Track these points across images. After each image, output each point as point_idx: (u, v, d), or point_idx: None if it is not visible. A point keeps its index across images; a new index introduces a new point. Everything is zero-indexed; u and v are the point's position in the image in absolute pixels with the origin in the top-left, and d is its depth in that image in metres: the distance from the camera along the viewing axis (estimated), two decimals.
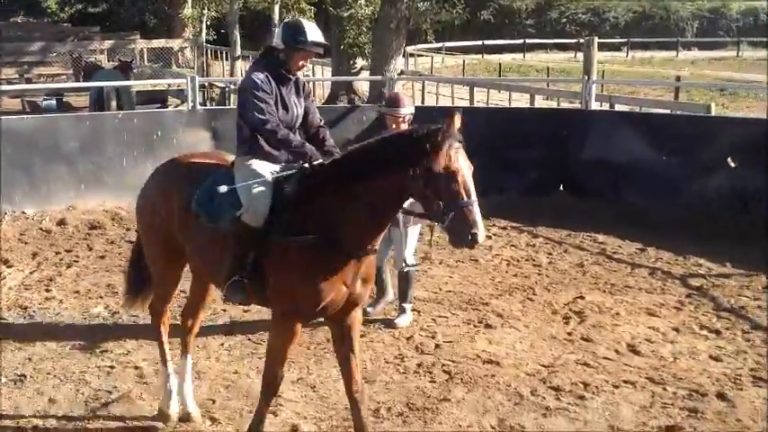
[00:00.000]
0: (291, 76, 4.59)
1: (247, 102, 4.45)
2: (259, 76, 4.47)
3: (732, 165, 9.52)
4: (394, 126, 6.32)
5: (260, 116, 4.39)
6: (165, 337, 5.06)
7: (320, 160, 4.31)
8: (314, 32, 4.52)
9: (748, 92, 23.76)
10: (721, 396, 5.34)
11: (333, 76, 21.16)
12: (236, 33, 25.20)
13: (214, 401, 5.24)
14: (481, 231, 3.84)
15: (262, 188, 4.31)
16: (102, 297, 7.31)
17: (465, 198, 3.84)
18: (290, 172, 4.33)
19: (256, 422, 4.52)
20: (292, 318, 4.26)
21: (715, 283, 7.85)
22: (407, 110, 6.39)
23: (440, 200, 3.84)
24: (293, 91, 4.60)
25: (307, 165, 4.28)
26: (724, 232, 9.09)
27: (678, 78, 20.18)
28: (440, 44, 34.96)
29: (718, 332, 6.54)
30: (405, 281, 6.60)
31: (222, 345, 6.17)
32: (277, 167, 4.46)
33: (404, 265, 6.48)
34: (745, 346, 6.24)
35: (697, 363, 5.93)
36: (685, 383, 5.54)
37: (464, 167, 3.89)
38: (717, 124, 10.55)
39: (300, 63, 4.60)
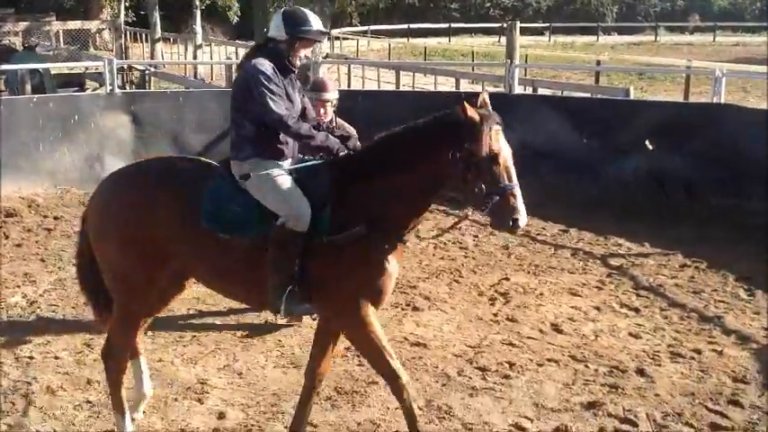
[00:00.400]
0: (294, 69, 4.30)
1: (256, 93, 4.08)
2: (266, 66, 4.14)
3: (650, 147, 9.78)
4: (322, 111, 6.17)
5: (279, 110, 4.07)
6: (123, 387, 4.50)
7: (345, 151, 4.18)
8: (317, 20, 4.29)
9: (666, 76, 24.44)
10: (640, 372, 5.49)
11: None
12: (156, 15, 24.67)
13: None
14: (523, 216, 3.83)
15: (293, 188, 4.09)
16: (19, 286, 7.07)
17: (507, 182, 3.82)
18: (310, 164, 4.20)
19: (411, 419, 4.15)
20: (365, 309, 4.06)
21: (634, 262, 8.07)
22: (332, 95, 6.27)
23: (482, 183, 3.80)
24: (291, 84, 4.31)
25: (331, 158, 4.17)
26: (642, 213, 9.34)
27: (598, 63, 20.55)
28: (365, 27, 34.92)
29: (637, 310, 6.72)
30: None
31: (145, 332, 6.04)
32: (286, 164, 4.22)
33: None
34: (663, 323, 6.43)
35: (617, 340, 6.08)
36: (606, 360, 5.68)
37: (505, 150, 3.86)
38: (635, 107, 10.80)
39: (303, 53, 4.34)
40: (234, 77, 4.41)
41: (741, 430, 4.72)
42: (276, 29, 4.28)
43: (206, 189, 4.13)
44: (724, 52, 37.74)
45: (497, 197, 3.79)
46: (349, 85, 18.54)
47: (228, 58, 21.22)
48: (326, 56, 18.04)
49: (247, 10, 24.18)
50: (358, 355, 5.69)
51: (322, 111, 6.16)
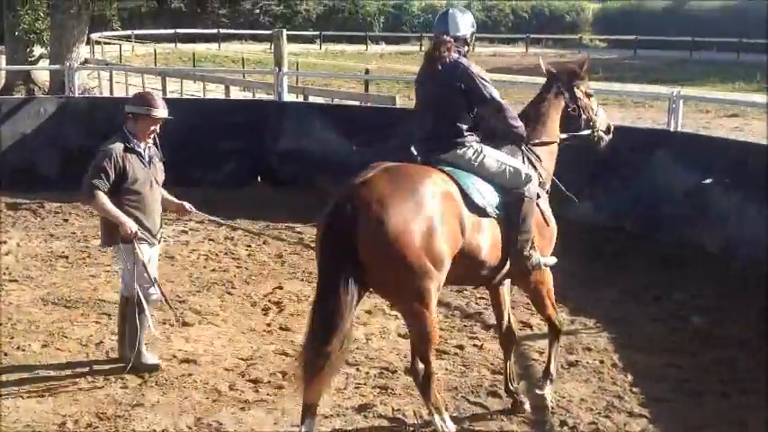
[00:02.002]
0: None
1: (480, 87, 4.67)
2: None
3: (415, 152, 10.12)
4: (152, 128, 5.50)
5: (501, 99, 4.78)
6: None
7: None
8: None
9: None
10: (409, 371, 5.64)
11: (8, 64, 19.39)
12: None
13: None
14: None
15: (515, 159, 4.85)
16: None
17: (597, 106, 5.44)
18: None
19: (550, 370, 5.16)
20: None
21: None
22: (165, 112, 5.53)
23: (591, 113, 5.32)
24: None
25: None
26: None
27: (367, 71, 21.11)
28: (128, 32, 33.54)
29: None
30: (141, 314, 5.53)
31: None
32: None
33: (155, 291, 5.57)
34: None
35: (387, 342, 6.23)
36: (377, 362, 5.80)
37: None
38: (401, 115, 11.19)
39: None
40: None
41: (498, 420, 4.99)
42: (465, 27, 4.83)
43: (463, 182, 4.52)
44: (482, 62, 40.02)
45: (597, 117, 5.37)
46: (111, 93, 17.72)
47: None
48: (85, 61, 17.09)
49: None
50: (122, 378, 5.40)
51: (152, 128, 5.52)
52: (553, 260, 4.93)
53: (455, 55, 4.69)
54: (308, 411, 4.32)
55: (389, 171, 4.33)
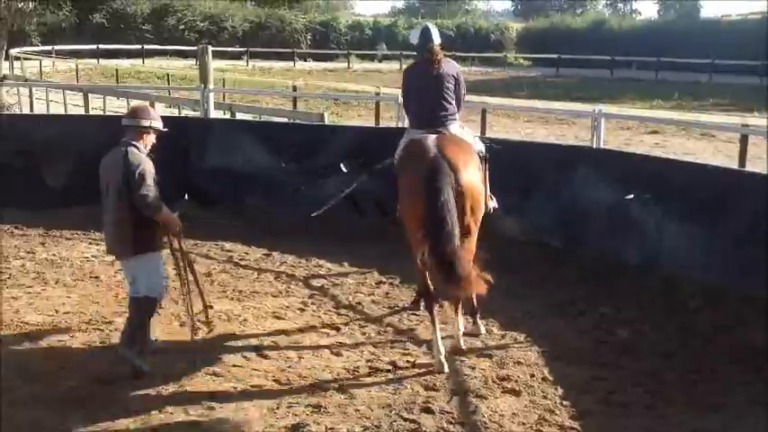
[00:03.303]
0: None
1: (463, 82, 6.75)
2: None
3: (344, 170, 10.13)
4: (153, 139, 5.80)
5: None
6: None
7: None
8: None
9: (359, 101, 25.67)
10: (342, 389, 5.62)
11: None
12: None
13: None
14: None
15: None
16: None
17: None
18: None
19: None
20: None
21: (335, 282, 8.29)
22: (161, 123, 5.85)
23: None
24: None
25: None
26: (341, 233, 9.66)
27: (295, 88, 21.05)
28: (49, 47, 32.73)
29: (338, 329, 6.90)
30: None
31: None
32: None
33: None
34: (362, 339, 6.67)
35: (320, 360, 6.19)
36: (309, 381, 5.75)
37: None
38: (330, 132, 11.20)
39: None
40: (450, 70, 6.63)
41: None
42: (437, 36, 6.60)
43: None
44: None
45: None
46: (32, 109, 17.24)
47: None
48: (4, 77, 16.61)
49: None
50: (45, 402, 5.23)
51: (153, 140, 5.82)
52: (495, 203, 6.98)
53: (442, 56, 6.55)
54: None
55: (452, 141, 6.25)
